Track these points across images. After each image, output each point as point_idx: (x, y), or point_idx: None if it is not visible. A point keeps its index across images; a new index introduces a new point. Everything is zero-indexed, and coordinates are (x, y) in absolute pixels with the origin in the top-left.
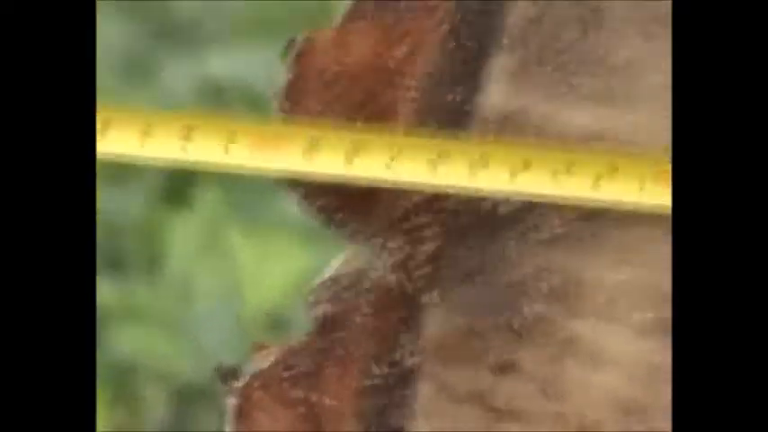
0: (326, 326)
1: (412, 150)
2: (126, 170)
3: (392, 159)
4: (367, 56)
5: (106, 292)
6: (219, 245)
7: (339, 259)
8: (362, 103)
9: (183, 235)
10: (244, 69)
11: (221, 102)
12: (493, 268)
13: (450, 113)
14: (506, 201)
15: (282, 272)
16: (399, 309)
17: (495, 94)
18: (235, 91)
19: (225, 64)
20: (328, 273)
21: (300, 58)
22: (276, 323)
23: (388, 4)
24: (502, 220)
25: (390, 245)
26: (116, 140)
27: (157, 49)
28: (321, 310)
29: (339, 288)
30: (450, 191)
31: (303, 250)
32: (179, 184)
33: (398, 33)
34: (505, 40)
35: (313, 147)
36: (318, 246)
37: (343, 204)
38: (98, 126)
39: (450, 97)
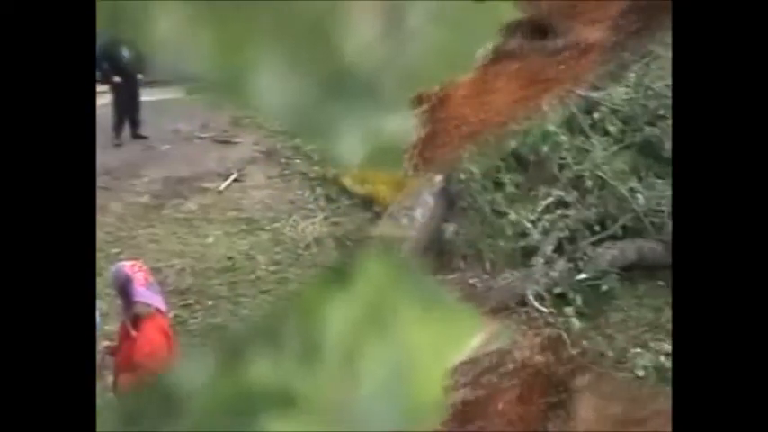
0: (466, 413)
1: None
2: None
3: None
4: (510, 103)
5: (261, 373)
6: (385, 321)
7: (479, 337)
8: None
9: (343, 310)
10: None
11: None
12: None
13: None
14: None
15: (460, 352)
16: (547, 394)
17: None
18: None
19: (398, 123)
20: (467, 353)
21: (434, 110)
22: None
23: (534, 44)
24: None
25: (536, 322)
26: None
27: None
28: (460, 395)
29: (479, 370)
30: None
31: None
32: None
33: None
34: None
35: None
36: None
37: None
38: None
39: None
